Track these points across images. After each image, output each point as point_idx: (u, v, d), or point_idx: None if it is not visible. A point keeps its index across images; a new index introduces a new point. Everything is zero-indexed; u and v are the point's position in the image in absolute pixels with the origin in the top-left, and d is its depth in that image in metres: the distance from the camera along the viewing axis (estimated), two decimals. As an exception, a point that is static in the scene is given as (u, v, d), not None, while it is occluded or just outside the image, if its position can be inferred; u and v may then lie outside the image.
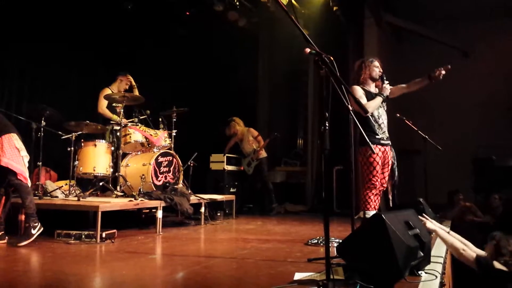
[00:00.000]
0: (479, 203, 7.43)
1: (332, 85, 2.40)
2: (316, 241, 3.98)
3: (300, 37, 2.31)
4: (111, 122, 5.97)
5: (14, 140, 3.87)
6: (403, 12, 9.28)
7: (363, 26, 8.52)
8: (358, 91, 4.06)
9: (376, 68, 4.20)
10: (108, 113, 6.01)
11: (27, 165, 3.96)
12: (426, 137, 5.91)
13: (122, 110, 5.41)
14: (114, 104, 6.05)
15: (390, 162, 4.22)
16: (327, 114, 2.18)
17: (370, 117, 4.04)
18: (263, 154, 7.58)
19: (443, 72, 3.91)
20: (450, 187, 7.50)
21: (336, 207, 7.11)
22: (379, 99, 4.10)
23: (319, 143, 2.27)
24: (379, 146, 4.07)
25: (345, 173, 6.95)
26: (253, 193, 7.78)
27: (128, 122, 5.74)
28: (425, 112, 9.01)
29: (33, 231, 3.81)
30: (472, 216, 6.51)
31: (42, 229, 3.88)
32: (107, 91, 5.93)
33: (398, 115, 5.71)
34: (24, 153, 3.91)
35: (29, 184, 3.97)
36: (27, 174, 3.93)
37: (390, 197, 6.70)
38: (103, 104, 5.99)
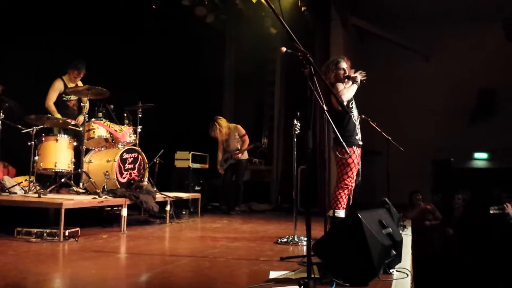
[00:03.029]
0: (437, 203, 7.71)
1: (310, 86, 2.40)
2: (285, 239, 3.99)
3: (268, 36, 2.31)
4: None
5: None
6: (369, 15, 9.49)
7: (330, 27, 8.68)
8: (340, 86, 4.10)
9: (341, 71, 4.24)
10: (53, 109, 5.65)
11: None
12: (389, 138, 6.02)
13: (87, 104, 5.21)
14: (65, 98, 5.79)
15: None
16: (311, 114, 2.18)
17: (350, 118, 4.09)
18: (245, 156, 7.36)
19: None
20: (410, 187, 7.69)
21: (300, 205, 7.14)
22: (354, 87, 4.14)
23: (306, 141, 2.24)
24: (356, 148, 4.12)
25: (310, 172, 6.98)
26: (219, 190, 7.69)
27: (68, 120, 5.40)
28: (387, 113, 9.23)
29: None
30: (431, 217, 6.76)
31: None
32: (59, 82, 5.69)
33: (363, 116, 5.79)
34: None
35: None
36: None
37: (351, 196, 6.83)
38: (52, 97, 5.68)
